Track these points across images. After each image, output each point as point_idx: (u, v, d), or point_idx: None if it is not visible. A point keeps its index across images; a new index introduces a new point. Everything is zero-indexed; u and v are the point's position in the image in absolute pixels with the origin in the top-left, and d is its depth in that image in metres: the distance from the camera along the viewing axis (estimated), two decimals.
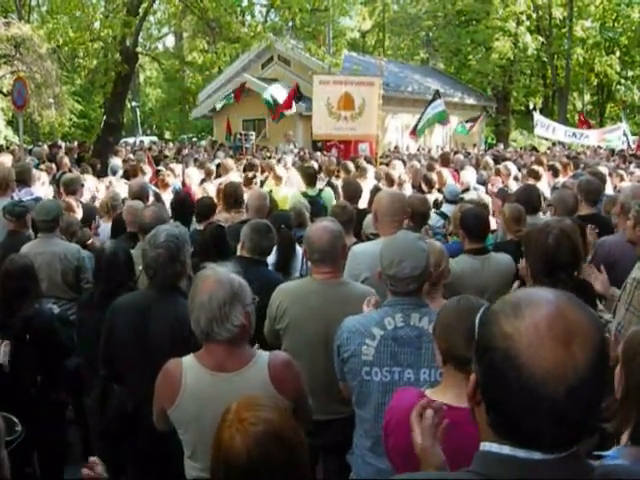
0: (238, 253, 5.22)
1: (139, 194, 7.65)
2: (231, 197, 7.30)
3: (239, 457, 2.07)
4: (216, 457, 2.17)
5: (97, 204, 8.82)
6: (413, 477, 2.05)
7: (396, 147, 28.98)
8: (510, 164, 11.97)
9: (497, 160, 15.72)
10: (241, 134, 22.74)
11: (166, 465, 4.09)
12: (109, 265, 4.85)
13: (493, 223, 7.05)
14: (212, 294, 3.04)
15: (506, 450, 1.52)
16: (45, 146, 21.01)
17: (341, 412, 4.11)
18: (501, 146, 30.77)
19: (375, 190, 8.47)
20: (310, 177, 9.53)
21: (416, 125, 17.69)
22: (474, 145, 31.65)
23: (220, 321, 3.02)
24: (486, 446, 1.58)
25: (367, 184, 9.88)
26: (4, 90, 30.98)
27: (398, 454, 2.87)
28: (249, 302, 3.12)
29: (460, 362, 2.75)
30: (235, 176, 10.45)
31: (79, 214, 7.72)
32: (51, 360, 4.93)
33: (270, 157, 16.57)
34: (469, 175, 10.77)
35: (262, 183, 10.48)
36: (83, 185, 9.17)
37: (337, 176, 12.09)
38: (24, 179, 8.48)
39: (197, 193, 9.83)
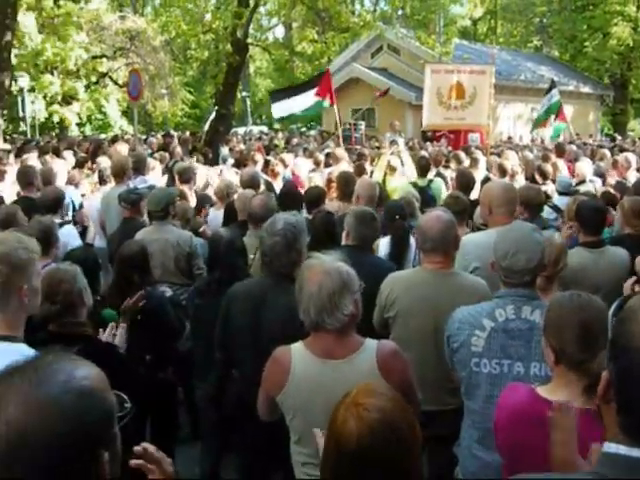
0: (343, 242, 5.26)
1: (250, 183, 7.80)
2: (347, 186, 7.32)
3: (349, 441, 2.09)
4: (328, 438, 2.20)
5: (210, 192, 9.05)
6: (536, 477, 2.03)
7: (509, 137, 28.36)
8: (631, 155, 11.52)
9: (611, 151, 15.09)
10: (350, 124, 22.79)
11: (273, 450, 4.20)
12: (226, 253, 4.97)
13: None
14: (321, 284, 3.07)
15: (636, 453, 1.48)
16: (158, 135, 21.68)
17: (450, 403, 4.11)
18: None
19: (485, 181, 8.36)
20: (422, 168, 9.49)
21: (539, 117, 17.31)
22: (590, 135, 30.59)
23: (330, 311, 3.06)
24: (612, 447, 1.54)
25: (478, 175, 9.75)
26: (120, 82, 32.14)
27: (509, 451, 2.85)
28: (357, 289, 3.15)
29: (574, 363, 2.71)
30: (345, 166, 10.50)
31: (192, 202, 7.95)
32: (161, 341, 5.10)
33: (379, 147, 16.54)
34: (585, 167, 10.44)
35: (372, 173, 10.50)
36: (196, 173, 9.43)
37: (445, 166, 11.98)
38: (139, 168, 8.80)
39: (306, 182, 9.94)
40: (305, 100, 14.89)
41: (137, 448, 1.89)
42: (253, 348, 4.04)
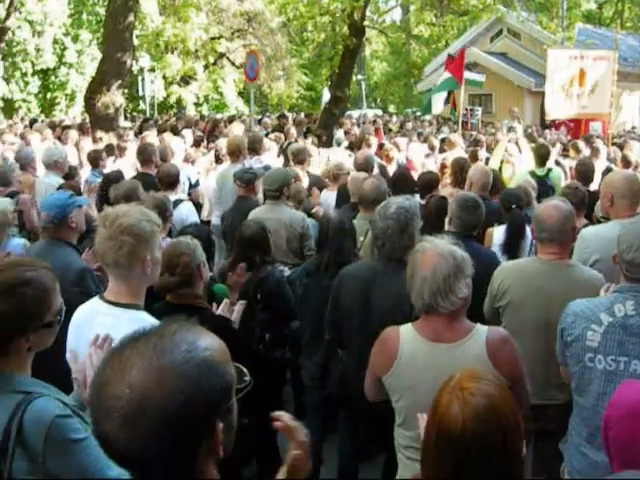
0: (445, 228, 5.21)
1: (364, 166, 7.84)
2: (461, 172, 7.26)
3: (454, 425, 2.10)
4: (431, 422, 2.21)
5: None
6: None
7: (633, 127, 27.23)
8: None
9: None
10: (467, 109, 22.45)
11: (376, 432, 4.25)
12: (335, 234, 5.03)
13: None
14: (436, 267, 3.09)
15: None
16: (273, 117, 21.99)
17: (557, 398, 4.04)
18: None
19: (607, 172, 8.10)
20: (541, 157, 9.27)
21: None
22: None
23: (445, 294, 3.08)
24: None
25: (599, 165, 9.45)
26: (237, 63, 32.69)
27: (618, 448, 2.78)
28: (470, 274, 3.16)
29: None
30: (460, 152, 10.39)
31: (305, 183, 8.06)
32: (279, 320, 5.21)
33: (495, 134, 16.26)
34: None
35: (487, 160, 10.34)
36: (311, 155, 9.54)
37: (565, 155, 11.65)
38: (255, 148, 8.97)
39: (419, 167, 9.88)
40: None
41: (275, 414, 1.96)
42: (361, 329, 4.10)
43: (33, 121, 19.90)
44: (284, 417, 2.02)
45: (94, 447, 2.36)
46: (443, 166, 8.62)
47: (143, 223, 3.19)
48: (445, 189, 7.41)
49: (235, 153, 8.30)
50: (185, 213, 6.88)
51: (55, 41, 33.45)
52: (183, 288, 4.12)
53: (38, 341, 2.52)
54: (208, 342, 1.53)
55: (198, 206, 8.80)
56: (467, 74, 16.79)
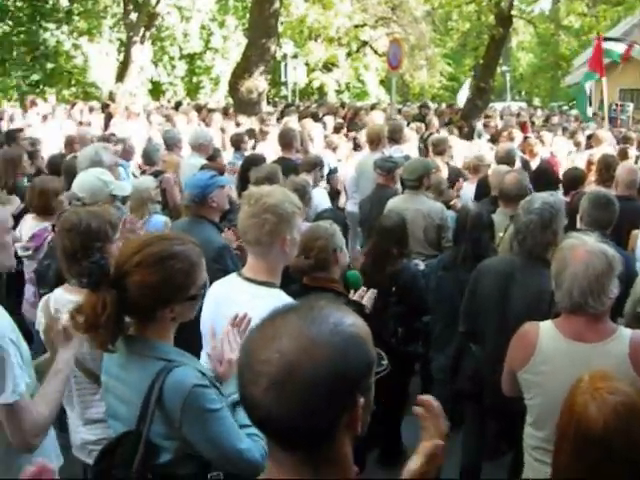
0: (577, 226, 5.05)
1: (505, 159, 7.71)
2: (607, 170, 7.02)
3: (594, 426, 2.08)
4: (566, 424, 2.19)
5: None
6: None
7: None
8: None
9: None
10: (617, 104, 21.55)
11: (505, 429, 4.21)
12: (473, 227, 4.99)
13: None
14: (588, 265, 3.02)
15: None
16: (414, 106, 21.89)
17: None
18: None
19: None
20: None
21: None
22: None
23: (597, 294, 3.01)
24: None
25: None
26: (379, 51, 32.69)
27: None
28: (619, 273, 3.07)
29: None
30: (608, 149, 10.02)
31: (444, 174, 8.01)
32: (412, 314, 5.22)
33: None
34: None
35: (638, 159, 9.92)
36: (451, 146, 9.47)
37: None
38: (395, 137, 9.00)
39: (564, 163, 9.62)
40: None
41: (421, 397, 1.98)
42: (497, 325, 4.07)
43: (179, 104, 20.64)
44: (433, 402, 2.03)
45: (228, 418, 2.48)
46: (590, 163, 8.35)
47: (286, 204, 3.31)
48: (590, 187, 7.19)
49: (374, 141, 8.36)
50: (318, 199, 6.98)
51: (202, 27, 34.55)
52: (317, 271, 4.22)
53: (182, 312, 2.65)
54: (353, 320, 1.58)
55: (336, 193, 8.93)
56: (608, 44, 15.85)
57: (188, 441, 2.46)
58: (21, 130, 10.81)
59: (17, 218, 5.61)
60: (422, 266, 5.84)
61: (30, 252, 5.27)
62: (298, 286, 4.24)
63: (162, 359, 2.53)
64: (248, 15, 24.16)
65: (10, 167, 6.74)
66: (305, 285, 4.27)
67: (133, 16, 29.79)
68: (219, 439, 2.45)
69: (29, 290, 5.45)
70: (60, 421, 3.67)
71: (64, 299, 3.58)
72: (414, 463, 1.91)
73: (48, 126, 13.85)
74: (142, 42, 29.96)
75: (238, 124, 12.88)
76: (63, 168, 6.95)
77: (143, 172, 8.43)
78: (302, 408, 1.45)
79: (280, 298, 3.14)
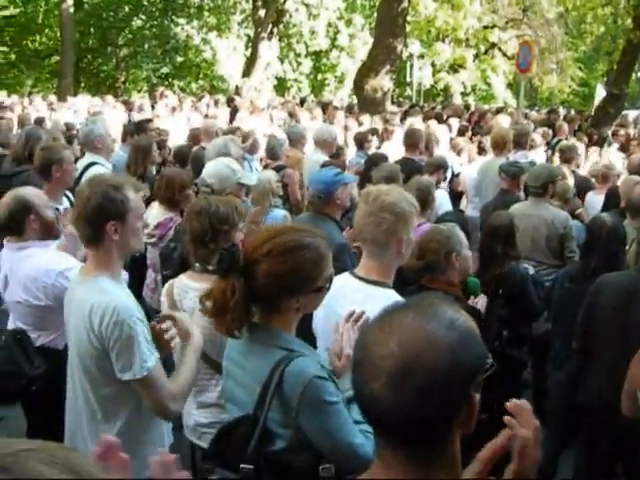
0: None
1: (637, 169, 7.47)
2: None
3: None
4: None
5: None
6: None
7: None
8: None
9: None
10: None
11: (622, 450, 4.08)
12: (608, 240, 4.82)
13: None
14: None
15: None
16: (542, 111, 21.40)
17: None
18: None
19: None
20: None
21: None
22: None
23: None
24: None
25: None
26: (508, 53, 32.15)
27: None
28: None
29: None
30: None
31: (570, 182, 7.82)
32: (519, 318, 5.13)
33: None
34: None
35: None
36: (579, 154, 9.24)
37: None
38: (521, 142, 8.81)
39: None
40: None
41: (511, 403, 1.97)
42: (617, 342, 3.96)
43: (303, 100, 20.92)
44: (524, 406, 2.01)
45: (344, 412, 2.52)
46: None
47: (403, 203, 3.33)
48: None
49: (499, 145, 8.24)
50: (439, 201, 6.94)
51: (329, 24, 34.84)
52: (433, 273, 4.21)
53: (306, 304, 2.71)
54: (466, 317, 1.61)
55: (457, 196, 8.86)
56: None
57: (303, 431, 2.51)
58: (150, 120, 11.21)
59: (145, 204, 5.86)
60: (532, 270, 5.70)
61: (154, 239, 5.48)
62: (415, 287, 4.25)
63: (284, 348, 2.59)
64: (375, 14, 24.20)
65: (140, 156, 7.01)
66: (422, 286, 4.26)
67: (261, 12, 30.40)
68: (334, 431, 2.50)
69: (150, 276, 5.66)
70: None
71: (187, 285, 3.73)
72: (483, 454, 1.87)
73: (176, 118, 14.34)
74: (269, 38, 30.56)
75: (361, 123, 12.94)
76: (191, 159, 7.20)
77: (266, 166, 8.61)
78: (422, 403, 1.47)
79: (392, 299, 3.13)
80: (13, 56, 34.15)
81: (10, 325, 4.35)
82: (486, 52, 34.26)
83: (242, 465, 2.47)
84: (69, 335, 3.32)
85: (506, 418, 1.87)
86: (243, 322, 2.63)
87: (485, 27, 31.39)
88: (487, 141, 9.37)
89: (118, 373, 3.01)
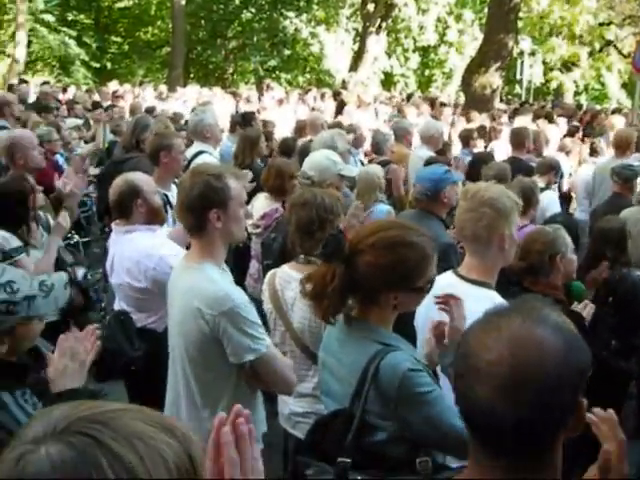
0: None
1: None
2: None
3: None
4: None
5: None
6: None
7: None
8: None
9: None
10: None
11: None
12: None
13: None
14: None
15: None
16: None
17: None
18: None
19: None
20: None
21: None
22: None
23: None
24: None
25: None
26: (624, 51, 31.18)
27: None
28: None
29: None
30: None
31: None
32: (630, 327, 4.98)
33: None
34: None
35: None
36: None
37: None
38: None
39: None
40: None
41: (594, 415, 1.93)
42: None
43: (410, 96, 20.82)
44: (610, 416, 1.97)
45: (442, 399, 2.51)
46: None
47: (504, 198, 3.29)
48: None
49: (622, 147, 7.96)
50: (547, 202, 6.81)
51: (438, 19, 34.49)
52: (530, 275, 4.14)
53: (405, 302, 2.71)
54: (568, 321, 1.59)
55: (565, 198, 8.67)
56: None
57: (404, 422, 2.52)
58: (256, 113, 11.39)
59: (250, 195, 5.96)
60: None
61: (259, 230, 5.56)
62: (517, 289, 4.19)
63: (380, 342, 2.61)
64: (486, 9, 23.86)
65: (248, 147, 7.13)
66: (525, 288, 4.20)
67: (370, 7, 30.42)
68: (438, 419, 2.49)
69: (254, 266, 5.75)
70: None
71: (290, 276, 3.78)
72: (591, 473, 1.84)
73: (282, 110, 14.52)
74: (377, 33, 30.53)
75: (469, 120, 12.79)
76: (297, 151, 7.28)
77: (370, 161, 8.62)
78: (534, 409, 1.45)
79: (494, 300, 3.09)
80: (126, 47, 35.32)
81: (115, 306, 4.52)
82: (601, 50, 33.25)
83: (340, 459, 2.48)
84: (172, 320, 3.42)
85: (590, 417, 1.85)
86: (339, 309, 2.67)
87: (601, 24, 30.53)
88: (600, 142, 9.12)
89: (232, 357, 3.10)
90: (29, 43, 29.61)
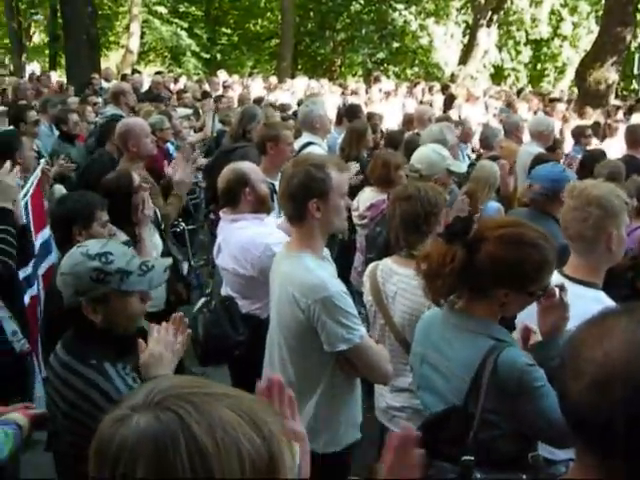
0: None
1: None
2: None
3: None
4: None
5: None
6: None
7: None
8: None
9: None
10: None
11: None
12: None
13: None
14: None
15: None
16: None
17: None
18: None
19: None
20: None
21: None
22: None
23: None
24: None
25: None
26: None
27: None
28: None
29: None
30: None
31: None
32: None
33: None
34: None
35: None
36: None
37: None
38: None
39: None
40: None
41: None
42: None
43: (521, 90, 20.42)
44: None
45: (552, 392, 2.46)
46: None
47: (612, 197, 3.20)
48: None
49: None
50: None
51: (552, 12, 33.64)
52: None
53: (513, 303, 2.68)
54: None
55: None
56: None
57: (522, 417, 2.52)
58: (364, 105, 11.40)
59: (357, 188, 5.99)
60: None
61: (365, 221, 5.59)
62: (628, 290, 4.07)
63: (493, 338, 2.60)
64: (603, 1, 23.15)
65: (355, 140, 7.18)
66: (638, 290, 4.08)
67: None
68: (549, 412, 2.46)
69: (359, 259, 5.78)
70: (368, 385, 3.94)
71: (392, 269, 3.79)
72: None
73: (390, 103, 14.48)
74: (488, 25, 30.01)
75: (582, 116, 12.47)
76: (404, 144, 7.26)
77: (479, 156, 8.52)
78: (623, 413, 1.41)
79: (601, 301, 3.05)
80: (236, 38, 35.89)
81: (222, 292, 4.63)
82: None
83: (464, 457, 2.48)
84: (272, 307, 3.49)
85: None
86: (452, 291, 2.68)
87: None
88: None
89: (325, 345, 3.13)
90: (142, 34, 30.50)
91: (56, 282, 2.73)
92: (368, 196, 5.73)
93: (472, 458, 2.47)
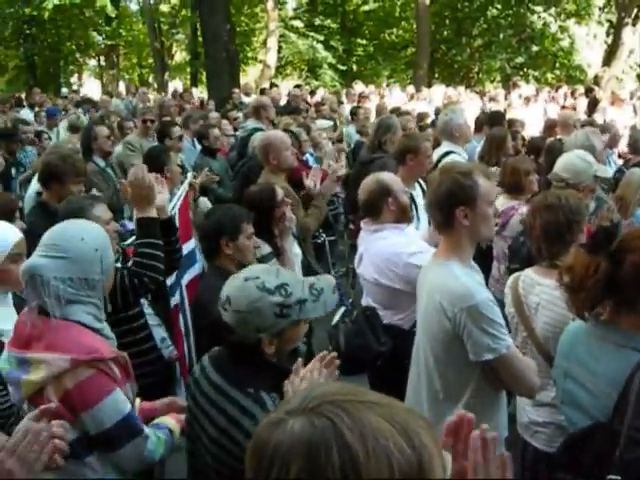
0: None
1: None
2: None
3: None
4: None
5: None
6: None
7: None
8: None
9: None
10: None
11: None
12: None
13: None
14: None
15: None
16: None
17: None
18: None
19: None
20: None
21: None
22: None
23: None
24: None
25: None
26: None
27: None
28: None
29: None
30: None
31: None
32: None
33: None
34: None
35: None
36: None
37: None
38: None
39: None
40: None
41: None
42: None
43: None
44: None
45: None
46: None
47: None
48: None
49: None
50: None
51: None
52: None
53: None
54: None
55: None
56: None
57: None
58: (503, 111, 11.22)
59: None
60: None
61: (496, 228, 5.52)
62: None
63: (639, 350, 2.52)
64: None
65: (494, 147, 7.12)
66: None
67: None
68: None
69: (494, 267, 5.70)
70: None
71: (534, 280, 3.72)
72: None
73: (531, 108, 14.20)
74: (634, 24, 28.85)
75: None
76: (545, 150, 7.11)
77: (627, 162, 8.22)
78: None
79: None
80: (371, 48, 36.10)
81: (363, 302, 4.68)
82: None
83: (610, 476, 2.40)
84: (419, 316, 3.49)
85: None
86: (596, 303, 2.62)
87: None
88: None
89: (471, 355, 3.12)
90: (279, 49, 31.22)
91: (227, 318, 2.59)
92: (500, 203, 5.66)
93: (619, 478, 2.37)
